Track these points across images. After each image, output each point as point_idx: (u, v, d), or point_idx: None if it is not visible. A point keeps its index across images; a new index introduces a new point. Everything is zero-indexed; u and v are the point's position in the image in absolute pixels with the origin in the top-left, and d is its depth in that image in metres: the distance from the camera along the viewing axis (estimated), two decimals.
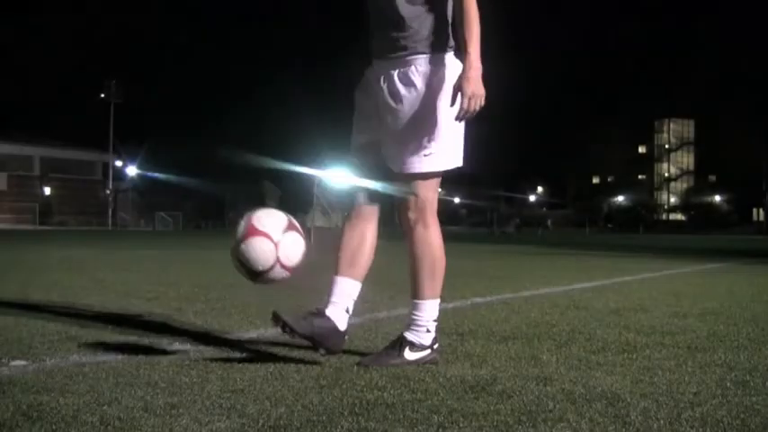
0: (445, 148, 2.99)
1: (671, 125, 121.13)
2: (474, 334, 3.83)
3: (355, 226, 3.08)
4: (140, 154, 73.90)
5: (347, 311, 2.99)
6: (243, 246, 2.80)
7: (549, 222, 73.68)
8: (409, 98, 2.95)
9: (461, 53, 2.93)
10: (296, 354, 3.13)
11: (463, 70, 2.88)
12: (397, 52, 2.97)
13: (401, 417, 2.17)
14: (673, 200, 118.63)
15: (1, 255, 13.01)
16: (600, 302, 5.47)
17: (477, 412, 2.23)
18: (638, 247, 23.02)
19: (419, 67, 2.96)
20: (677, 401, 2.42)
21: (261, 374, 2.72)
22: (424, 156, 2.97)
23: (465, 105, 2.84)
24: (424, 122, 2.95)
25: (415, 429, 2.06)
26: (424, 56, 2.97)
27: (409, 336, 3.01)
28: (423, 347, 3.00)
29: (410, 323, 3.05)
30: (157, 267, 9.64)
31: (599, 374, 2.83)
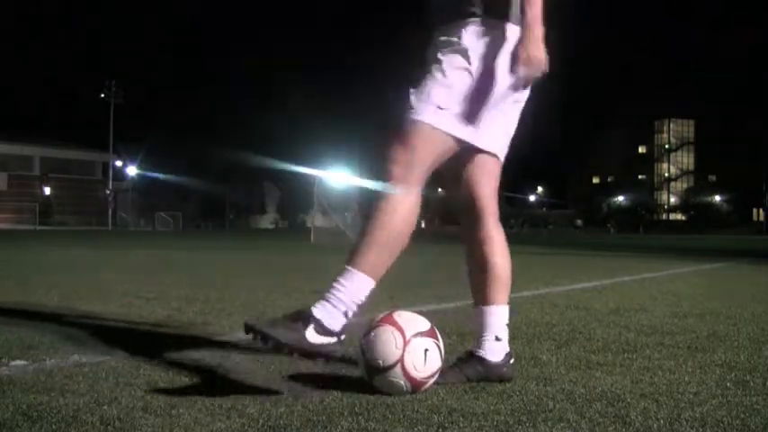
0: None
1: (671, 125, 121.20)
2: (474, 334, 3.81)
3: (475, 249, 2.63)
4: (140, 154, 74.03)
5: (497, 339, 2.76)
6: (370, 334, 2.46)
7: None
8: (501, 67, 2.48)
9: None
10: (296, 354, 3.12)
11: (521, 33, 2.46)
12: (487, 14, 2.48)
13: (401, 417, 2.17)
14: (673, 200, 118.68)
15: (1, 255, 13.01)
16: (600, 302, 5.46)
17: (477, 412, 2.23)
18: (638, 247, 23.00)
19: (506, 34, 2.50)
20: (677, 401, 2.41)
21: (261, 374, 2.72)
22: (508, 137, 2.59)
23: (520, 72, 2.43)
24: (506, 98, 2.54)
25: (415, 429, 2.06)
26: (508, 24, 2.52)
27: (318, 313, 2.39)
28: (330, 332, 2.40)
29: (324, 297, 2.43)
30: (157, 267, 9.63)
31: (599, 374, 2.83)
